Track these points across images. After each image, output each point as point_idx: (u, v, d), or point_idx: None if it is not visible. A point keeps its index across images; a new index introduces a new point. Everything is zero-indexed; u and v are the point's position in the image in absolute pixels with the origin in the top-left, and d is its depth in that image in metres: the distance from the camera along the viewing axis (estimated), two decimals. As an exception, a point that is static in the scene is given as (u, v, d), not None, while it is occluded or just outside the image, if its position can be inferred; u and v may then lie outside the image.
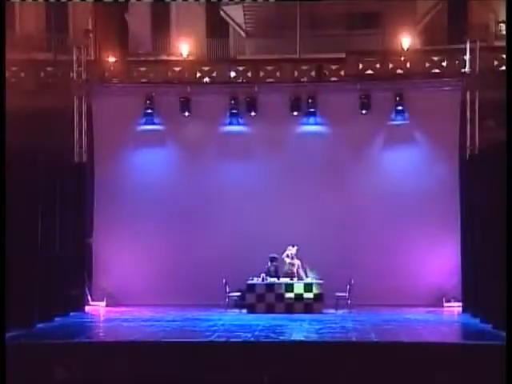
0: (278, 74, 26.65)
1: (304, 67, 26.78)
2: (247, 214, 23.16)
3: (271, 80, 26.25)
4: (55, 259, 20.01)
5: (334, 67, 26.68)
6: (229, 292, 21.89)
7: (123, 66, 27.25)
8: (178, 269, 22.76)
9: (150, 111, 23.37)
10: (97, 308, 22.60)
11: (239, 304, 21.76)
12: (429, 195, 22.64)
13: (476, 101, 22.58)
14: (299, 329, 17.85)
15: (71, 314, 20.87)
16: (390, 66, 26.51)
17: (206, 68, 27.07)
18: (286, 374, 14.31)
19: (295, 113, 23.20)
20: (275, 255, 22.20)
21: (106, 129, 23.40)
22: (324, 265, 22.38)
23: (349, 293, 21.37)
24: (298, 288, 21.20)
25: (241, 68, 27.10)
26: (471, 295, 20.51)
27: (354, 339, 16.46)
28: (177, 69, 27.13)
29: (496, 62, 25.97)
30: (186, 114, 23.30)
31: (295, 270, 21.60)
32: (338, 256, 22.71)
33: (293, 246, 21.83)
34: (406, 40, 28.65)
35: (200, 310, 21.17)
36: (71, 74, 23.94)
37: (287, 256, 21.73)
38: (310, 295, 21.12)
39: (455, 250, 22.07)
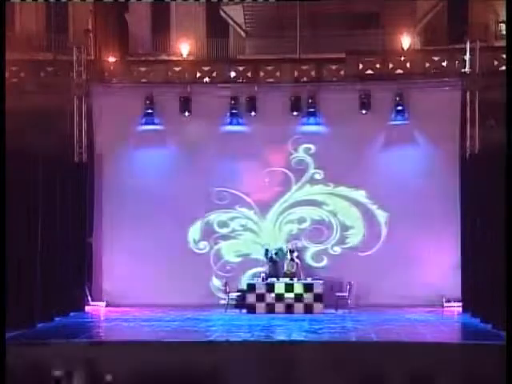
0: (278, 73, 26.54)
1: (304, 67, 26.71)
2: (247, 214, 23.27)
3: (271, 80, 26.14)
4: (55, 259, 20.01)
5: (333, 67, 26.60)
6: (229, 292, 21.91)
7: (123, 66, 27.16)
8: (178, 269, 22.77)
9: (150, 111, 23.37)
10: (97, 308, 22.60)
11: (239, 304, 21.76)
12: (429, 195, 22.64)
13: (476, 101, 22.58)
14: (298, 329, 17.85)
15: (71, 313, 20.88)
16: (390, 65, 26.41)
17: (206, 68, 26.98)
18: (286, 374, 14.30)
19: (295, 113, 23.20)
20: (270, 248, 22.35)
21: (106, 129, 23.41)
22: (324, 264, 22.51)
23: (349, 293, 21.39)
24: (298, 288, 21.19)
25: (241, 68, 26.99)
26: (471, 295, 20.51)
27: (353, 339, 16.48)
28: (177, 69, 27.03)
29: (496, 62, 25.88)
30: (186, 113, 23.30)
31: (295, 270, 21.61)
32: (337, 256, 22.77)
33: (292, 252, 21.85)
34: (406, 40, 28.60)
35: (200, 310, 21.18)
36: (71, 74, 23.92)
37: (290, 251, 21.75)
38: (309, 295, 21.11)
39: (455, 250, 22.08)
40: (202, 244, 23.28)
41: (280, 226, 23.30)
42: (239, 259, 23.23)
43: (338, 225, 23.11)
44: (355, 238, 23.01)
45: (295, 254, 21.77)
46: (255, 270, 22.69)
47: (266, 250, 22.15)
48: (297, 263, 21.53)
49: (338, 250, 22.98)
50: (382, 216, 23.00)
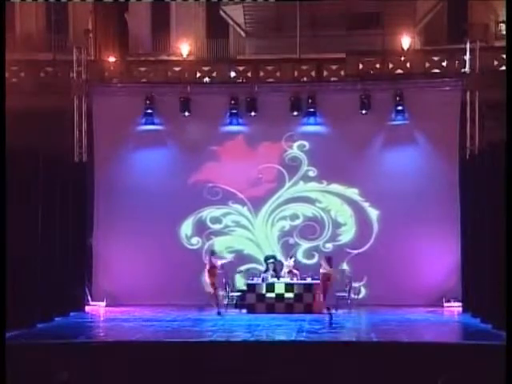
0: (278, 73, 26.64)
1: (304, 67, 26.77)
2: (247, 214, 23.30)
3: (271, 80, 26.23)
4: (55, 259, 20.01)
5: (334, 67, 26.66)
6: (229, 292, 21.91)
7: (123, 66, 27.26)
8: (178, 269, 22.76)
9: (150, 111, 23.36)
10: (97, 308, 22.60)
11: (239, 304, 21.75)
12: (429, 195, 22.63)
13: (476, 101, 22.58)
14: (298, 329, 17.83)
15: (71, 313, 20.86)
16: (390, 65, 26.50)
17: (206, 68, 27.07)
18: (286, 374, 14.30)
19: (295, 113, 23.20)
20: (272, 254, 22.41)
21: (106, 129, 23.39)
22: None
23: (349, 293, 21.40)
24: (298, 288, 21.17)
25: (241, 68, 27.09)
26: (471, 295, 20.51)
27: (354, 339, 16.48)
28: (177, 69, 27.13)
29: (496, 62, 25.95)
30: (186, 113, 23.30)
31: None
32: (337, 256, 22.77)
33: (291, 258, 21.89)
34: (406, 40, 28.67)
35: (200, 310, 21.17)
36: (71, 74, 23.92)
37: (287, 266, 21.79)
38: (309, 295, 21.10)
39: (455, 250, 22.07)
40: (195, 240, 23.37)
41: (273, 223, 23.36)
42: (232, 255, 23.26)
43: (330, 222, 23.19)
44: (347, 235, 23.10)
45: (292, 259, 21.77)
46: (248, 266, 22.80)
47: (267, 265, 22.05)
48: (296, 274, 21.52)
49: (337, 250, 23.02)
50: (378, 216, 23.01)
